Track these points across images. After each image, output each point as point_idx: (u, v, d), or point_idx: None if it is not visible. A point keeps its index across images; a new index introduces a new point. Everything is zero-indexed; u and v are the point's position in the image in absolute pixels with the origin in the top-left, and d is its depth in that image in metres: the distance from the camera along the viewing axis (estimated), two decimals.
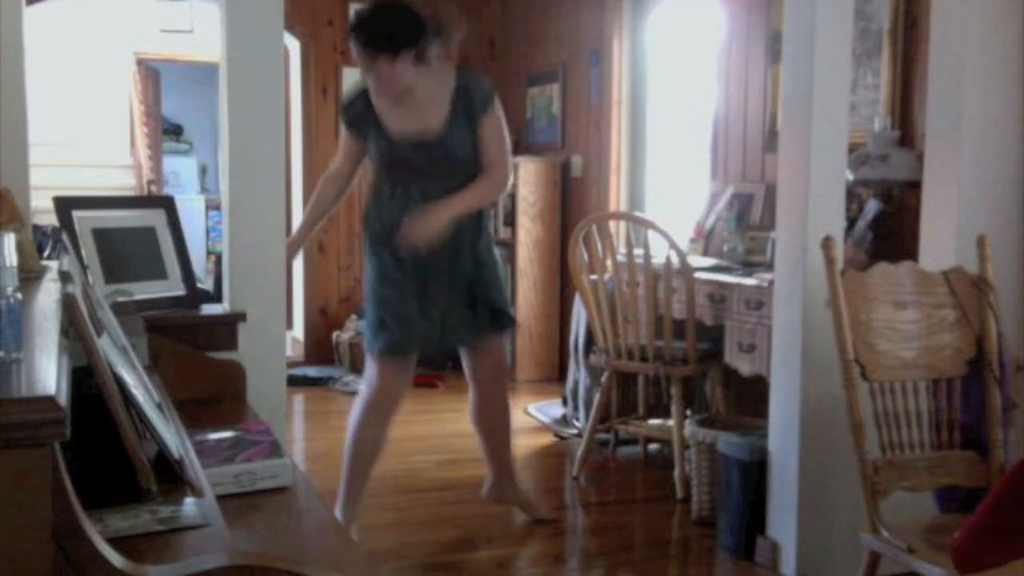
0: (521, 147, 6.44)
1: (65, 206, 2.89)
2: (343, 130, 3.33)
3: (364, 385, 3.35)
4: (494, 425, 3.52)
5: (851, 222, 3.60)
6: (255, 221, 2.98)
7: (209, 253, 9.35)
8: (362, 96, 3.23)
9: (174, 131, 10.94)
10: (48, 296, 1.77)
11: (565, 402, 4.98)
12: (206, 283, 5.79)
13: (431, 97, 3.18)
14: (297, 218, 6.59)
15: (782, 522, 3.11)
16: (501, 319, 3.36)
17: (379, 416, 3.30)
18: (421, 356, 3.38)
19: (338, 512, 3.29)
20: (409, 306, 3.20)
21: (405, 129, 3.17)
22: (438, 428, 4.93)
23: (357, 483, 3.34)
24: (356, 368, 6.14)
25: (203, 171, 11.22)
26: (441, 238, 3.12)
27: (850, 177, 3.37)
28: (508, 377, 3.56)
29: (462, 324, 3.28)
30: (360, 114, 3.23)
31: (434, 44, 3.13)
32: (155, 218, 3.08)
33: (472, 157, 3.20)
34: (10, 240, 1.30)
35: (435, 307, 3.22)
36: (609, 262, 4.11)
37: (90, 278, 2.70)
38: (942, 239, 3.05)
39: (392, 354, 3.22)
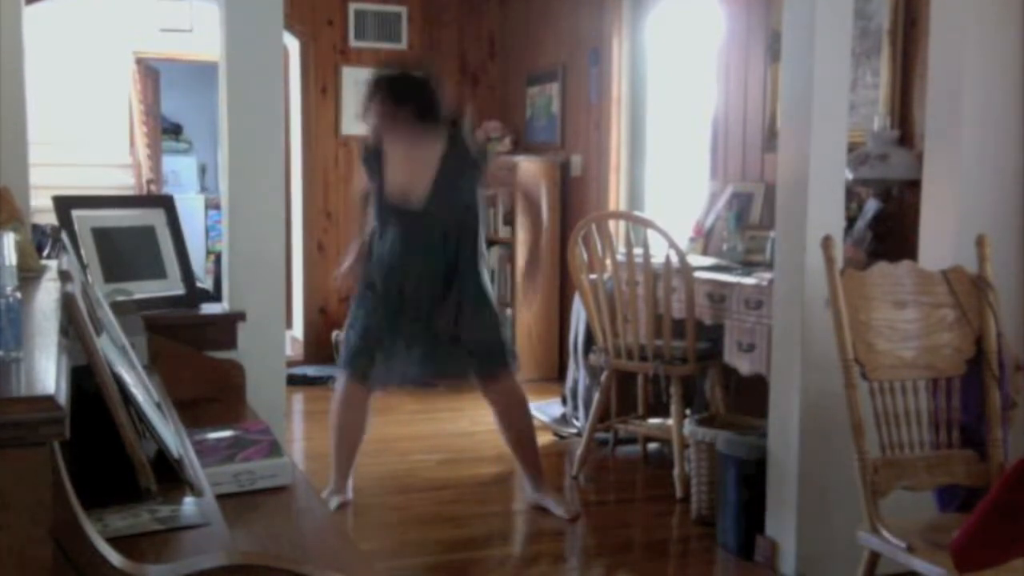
0: (520, 147, 6.44)
1: (64, 205, 2.89)
2: None
3: (336, 385, 3.76)
4: (513, 442, 3.73)
5: (851, 221, 3.60)
6: (255, 221, 2.99)
7: (209, 253, 9.33)
8: None
9: (173, 130, 10.92)
10: (48, 295, 1.77)
11: (564, 401, 4.98)
12: (206, 282, 5.78)
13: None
14: (297, 218, 6.60)
15: (781, 521, 3.11)
16: (489, 363, 3.55)
17: (350, 410, 3.68)
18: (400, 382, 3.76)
19: (329, 486, 3.64)
20: (381, 336, 3.54)
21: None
22: (437, 427, 4.93)
23: (341, 461, 3.69)
24: None
25: (203, 170, 11.20)
26: (425, 281, 3.47)
27: (850, 176, 3.37)
28: (523, 402, 3.70)
29: (438, 361, 3.56)
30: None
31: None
32: (154, 217, 3.08)
33: None
34: (9, 239, 1.30)
35: (406, 343, 3.53)
36: (609, 261, 4.11)
37: (89, 277, 2.69)
38: (941, 238, 3.04)
39: (353, 370, 3.64)
